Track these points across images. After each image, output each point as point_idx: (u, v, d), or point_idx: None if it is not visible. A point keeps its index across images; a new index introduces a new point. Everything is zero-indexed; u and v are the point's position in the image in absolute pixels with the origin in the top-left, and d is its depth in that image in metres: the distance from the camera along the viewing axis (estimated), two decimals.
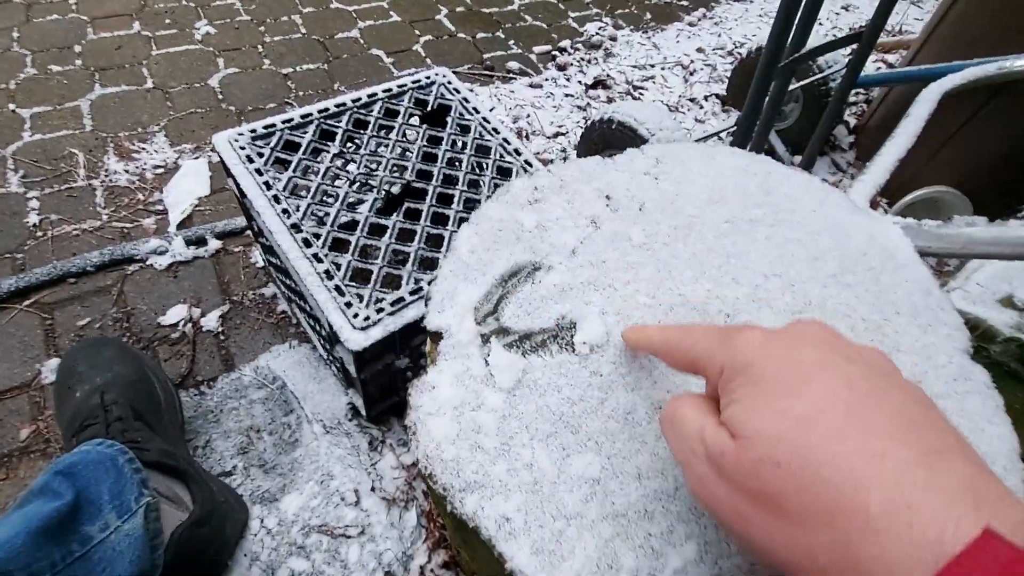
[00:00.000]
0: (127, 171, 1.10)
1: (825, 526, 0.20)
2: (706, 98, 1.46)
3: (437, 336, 0.37)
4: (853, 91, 1.48)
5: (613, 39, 1.66)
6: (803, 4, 0.84)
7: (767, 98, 1.00)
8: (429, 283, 0.41)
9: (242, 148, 0.71)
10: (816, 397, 0.22)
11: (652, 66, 1.56)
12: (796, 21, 0.89)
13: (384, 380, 0.70)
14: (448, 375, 0.34)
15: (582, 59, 1.57)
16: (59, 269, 0.92)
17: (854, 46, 1.01)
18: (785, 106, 1.33)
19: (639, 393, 0.34)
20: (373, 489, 0.76)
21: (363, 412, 0.79)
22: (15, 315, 0.87)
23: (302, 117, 0.76)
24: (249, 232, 1.01)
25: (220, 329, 0.90)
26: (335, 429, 0.81)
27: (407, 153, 0.76)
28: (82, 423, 0.66)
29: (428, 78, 0.86)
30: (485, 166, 0.78)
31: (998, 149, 1.04)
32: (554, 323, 0.37)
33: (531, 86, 1.44)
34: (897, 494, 0.19)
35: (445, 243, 0.68)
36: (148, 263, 0.96)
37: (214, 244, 0.98)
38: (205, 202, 1.07)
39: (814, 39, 0.98)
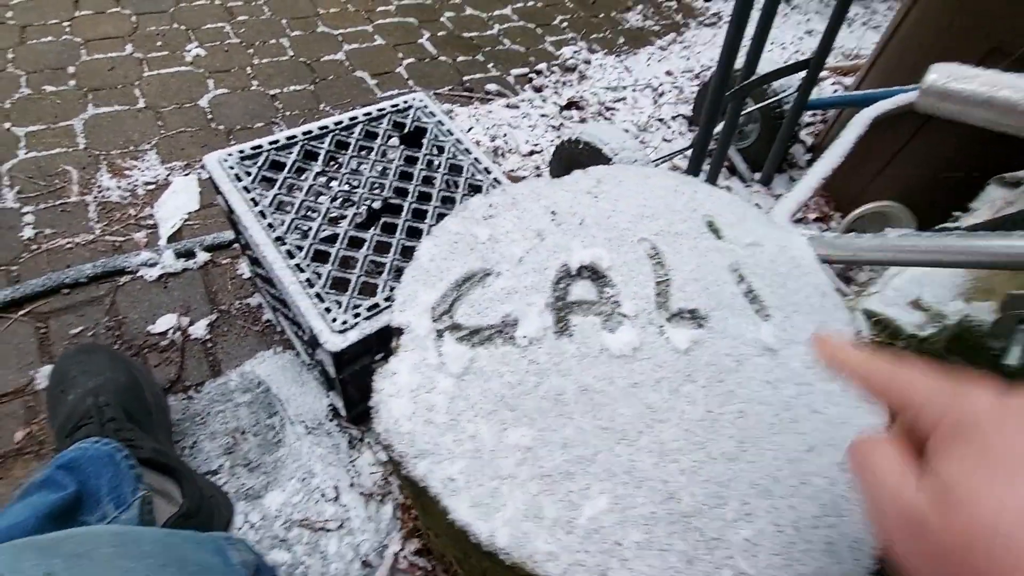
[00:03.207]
0: (119, 187, 1.16)
1: None
2: (673, 118, 1.55)
3: (399, 332, 0.43)
4: (809, 112, 1.58)
5: (587, 62, 1.76)
6: (753, 35, 0.93)
7: (724, 120, 1.08)
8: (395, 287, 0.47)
9: (231, 168, 0.76)
10: None
11: (624, 88, 1.65)
12: (748, 51, 0.98)
13: (362, 382, 0.76)
14: (407, 364, 0.40)
15: (557, 81, 1.65)
16: (53, 280, 0.96)
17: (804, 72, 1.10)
18: (746, 127, 1.42)
19: (569, 378, 0.41)
20: (352, 485, 0.81)
21: (343, 413, 0.84)
22: (10, 324, 0.91)
23: (287, 139, 0.82)
24: (236, 245, 1.06)
25: (208, 337, 0.95)
26: (316, 430, 0.86)
27: (386, 172, 0.83)
28: (76, 423, 0.71)
29: (406, 102, 0.93)
30: (458, 184, 0.84)
31: (934, 165, 1.13)
32: (500, 320, 0.43)
33: (508, 107, 1.52)
34: None
35: None
36: (139, 275, 1.01)
37: (203, 256, 1.04)
38: (194, 217, 1.13)
39: (770, 64, 1.07)
